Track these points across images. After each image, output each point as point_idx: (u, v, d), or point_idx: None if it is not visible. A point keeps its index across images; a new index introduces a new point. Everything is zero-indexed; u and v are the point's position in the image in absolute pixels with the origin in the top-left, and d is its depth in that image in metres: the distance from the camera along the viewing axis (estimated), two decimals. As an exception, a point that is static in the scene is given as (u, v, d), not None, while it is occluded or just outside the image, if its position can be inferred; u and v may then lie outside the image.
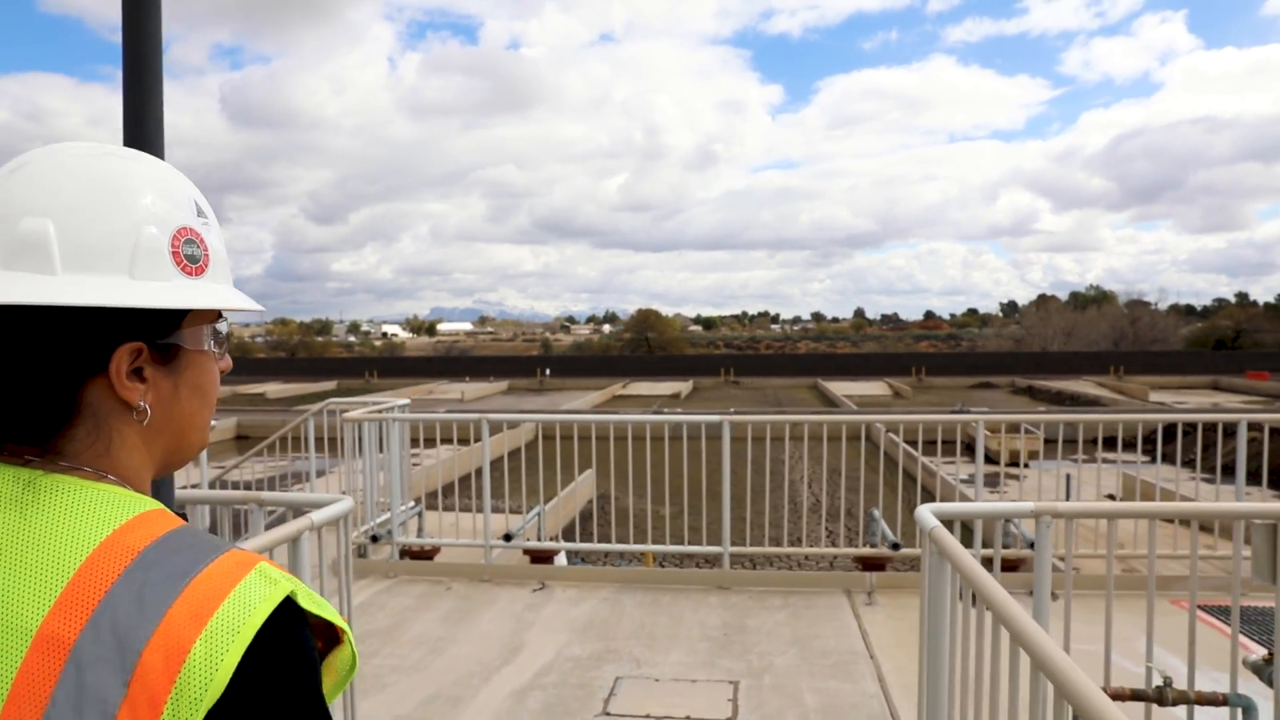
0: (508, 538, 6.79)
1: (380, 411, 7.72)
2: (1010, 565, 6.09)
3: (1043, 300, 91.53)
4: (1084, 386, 41.56)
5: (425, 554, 6.94)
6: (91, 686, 0.68)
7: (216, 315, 0.90)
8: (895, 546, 6.31)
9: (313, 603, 0.79)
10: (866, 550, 6.46)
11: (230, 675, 0.70)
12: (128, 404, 0.82)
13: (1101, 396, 36.02)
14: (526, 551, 7.15)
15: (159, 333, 0.83)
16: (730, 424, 5.02)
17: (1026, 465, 21.09)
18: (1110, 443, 24.95)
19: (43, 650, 0.69)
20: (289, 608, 0.76)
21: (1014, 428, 23.88)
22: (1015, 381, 47.22)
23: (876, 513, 6.89)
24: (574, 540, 8.61)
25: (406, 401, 8.49)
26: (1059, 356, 57.97)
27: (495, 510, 13.21)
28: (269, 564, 0.79)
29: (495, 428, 7.04)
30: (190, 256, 0.85)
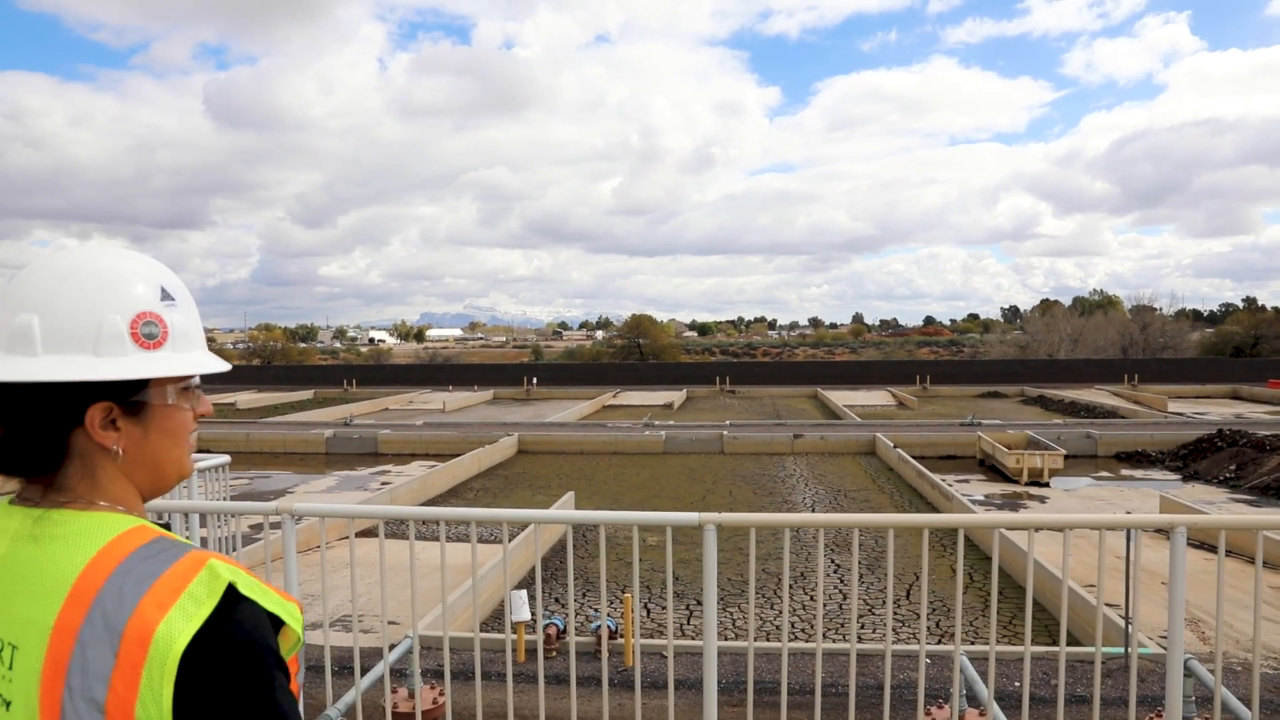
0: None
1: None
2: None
3: (1047, 305, 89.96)
4: (1099, 396, 39.99)
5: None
6: (92, 659, 0.99)
7: (186, 375, 1.18)
8: None
9: (253, 590, 1.07)
10: None
11: (184, 647, 0.99)
12: (104, 447, 1.12)
13: (1119, 407, 34.41)
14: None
15: (126, 393, 1.13)
16: (717, 526, 3.36)
17: (1047, 484, 19.65)
18: (1133, 458, 23.51)
19: (59, 637, 1.00)
20: (231, 595, 1.04)
21: (1034, 443, 22.40)
22: (1024, 390, 45.66)
23: (965, 659, 4.35)
24: (536, 579, 6.81)
25: (224, 459, 5.97)
26: (1068, 364, 56.34)
27: (460, 539, 11.62)
28: (218, 560, 1.07)
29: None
30: (148, 335, 1.14)
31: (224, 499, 7.07)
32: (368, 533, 10.89)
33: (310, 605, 8.79)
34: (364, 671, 4.04)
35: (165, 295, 1.17)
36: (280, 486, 20.40)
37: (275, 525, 4.03)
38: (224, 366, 1.23)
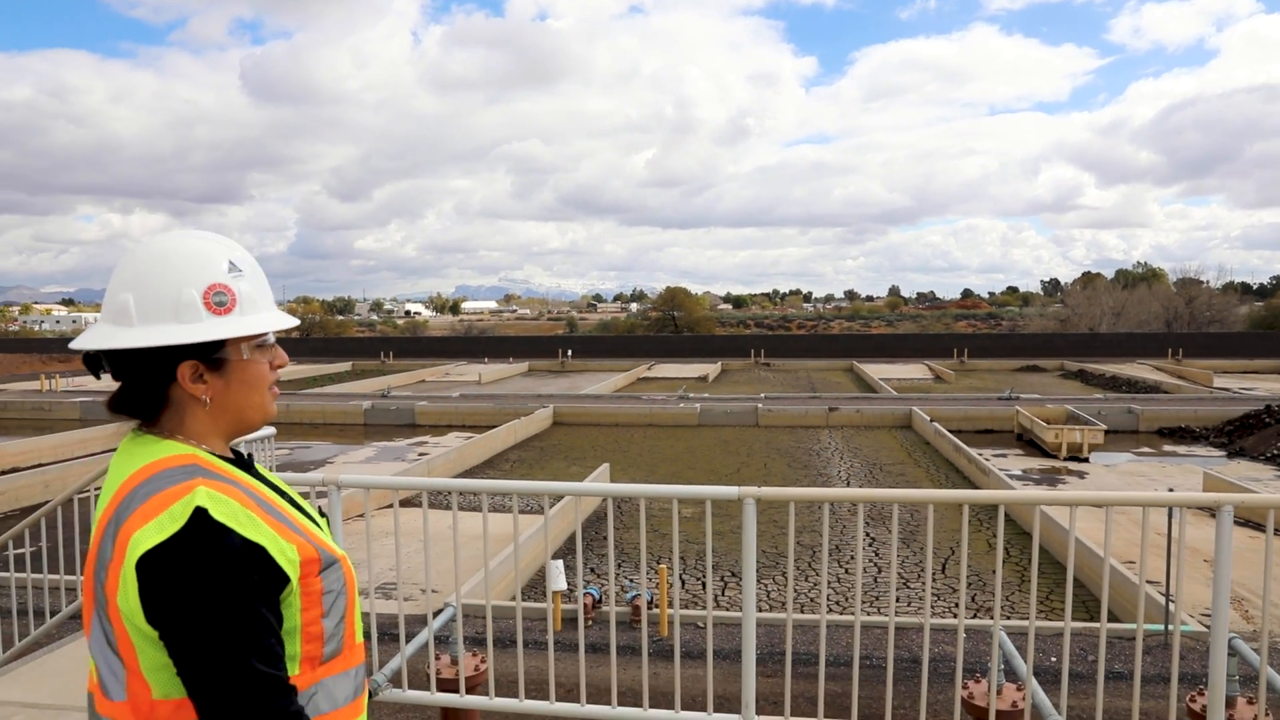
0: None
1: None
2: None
3: (1089, 278, 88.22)
4: (1141, 370, 39.27)
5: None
6: (105, 547, 1.28)
7: (254, 334, 1.41)
8: None
9: (232, 518, 1.26)
10: None
11: (142, 554, 1.21)
12: (195, 397, 1.37)
13: (1162, 382, 33.77)
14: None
15: (208, 352, 1.37)
16: (755, 499, 3.40)
17: (1087, 459, 19.39)
18: (1176, 434, 23.09)
19: (98, 528, 1.31)
20: (200, 519, 1.23)
21: (1073, 418, 22.09)
22: (1064, 364, 44.95)
23: (1004, 634, 4.09)
24: (575, 549, 6.92)
25: (270, 431, 6.01)
26: (1109, 338, 55.31)
27: (497, 510, 11.78)
28: (210, 489, 1.28)
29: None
30: (218, 302, 1.36)
31: (271, 469, 7.20)
32: (406, 503, 11.07)
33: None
34: (408, 638, 4.13)
35: (233, 267, 1.39)
36: (320, 457, 20.76)
37: (321, 495, 4.13)
38: (289, 322, 1.46)
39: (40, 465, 18.39)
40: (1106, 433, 20.48)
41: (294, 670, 1.31)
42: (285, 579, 1.28)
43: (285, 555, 1.29)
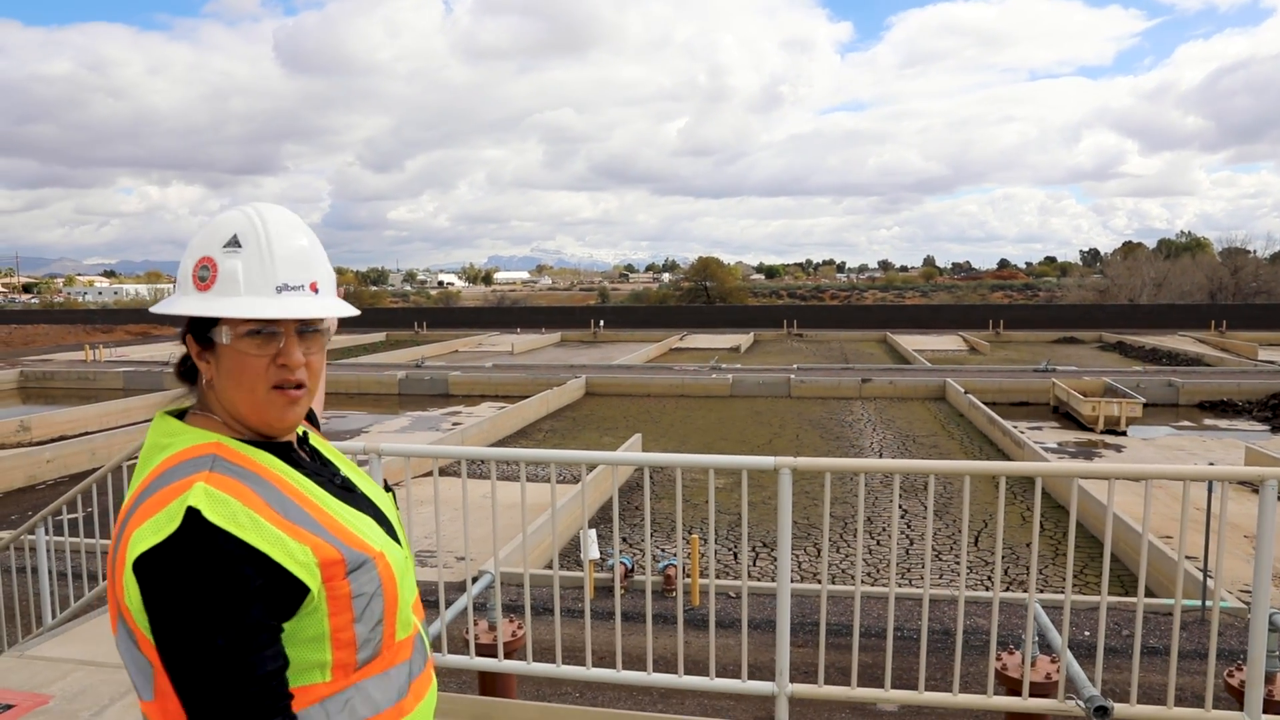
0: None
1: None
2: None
3: (1129, 248, 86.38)
4: (1182, 343, 38.55)
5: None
6: (116, 545, 1.22)
7: (252, 319, 1.26)
8: (1102, 712, 3.21)
9: (231, 520, 1.16)
10: (1024, 708, 3.48)
11: (137, 556, 1.14)
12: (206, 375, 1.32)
13: (1204, 355, 33.16)
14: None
15: (200, 330, 1.29)
16: (792, 469, 3.41)
17: (1124, 433, 19.14)
18: (1218, 407, 22.69)
19: (117, 522, 1.25)
20: (194, 520, 1.14)
21: (1111, 390, 21.78)
22: (1103, 336, 44.23)
23: (1039, 607, 3.91)
24: (611, 519, 6.99)
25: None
26: (1150, 309, 54.21)
27: (530, 479, 11.89)
28: (210, 487, 1.18)
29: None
30: (200, 277, 1.27)
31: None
32: (443, 471, 11.21)
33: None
34: (447, 605, 4.22)
35: (232, 242, 1.27)
36: (356, 426, 21.06)
37: (362, 463, 4.21)
38: (260, 313, 1.25)
39: (86, 433, 18.86)
40: (1145, 406, 20.18)
41: (325, 678, 1.23)
42: (298, 585, 1.18)
43: (295, 559, 1.18)
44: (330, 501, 1.30)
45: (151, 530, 1.16)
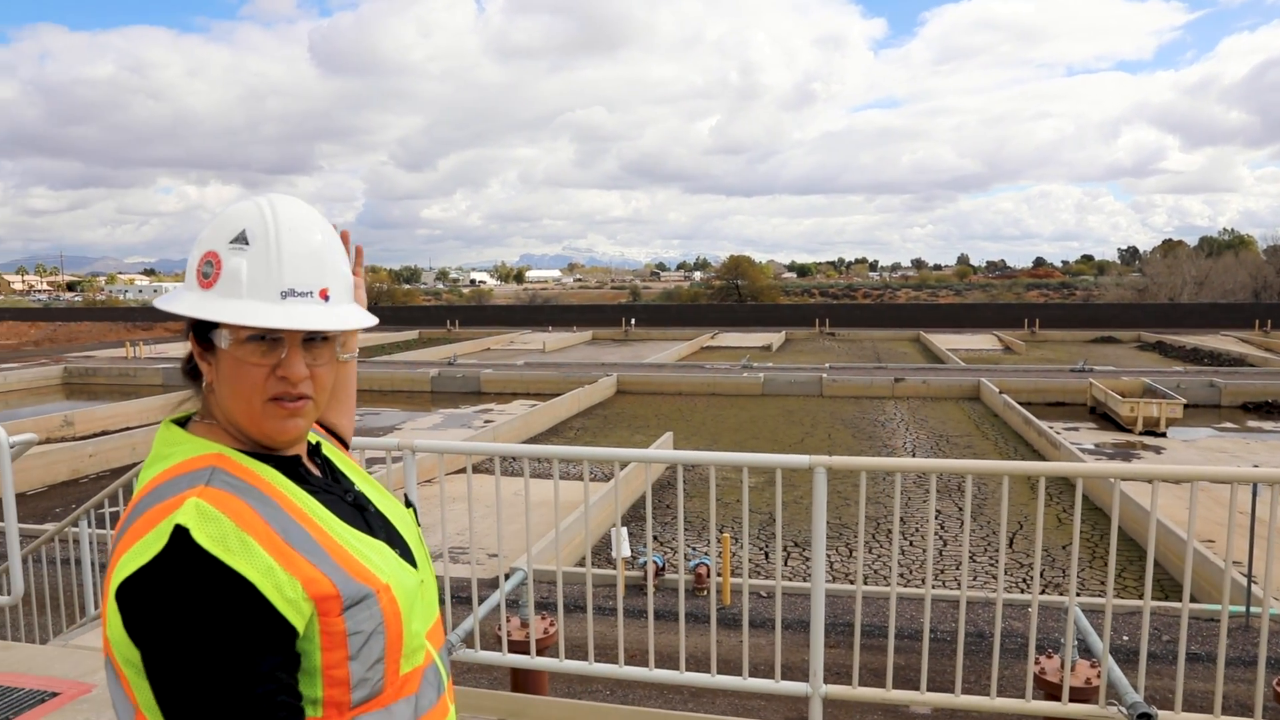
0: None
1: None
2: None
3: (1170, 246, 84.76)
4: (1224, 343, 37.80)
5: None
6: (107, 570, 1.10)
7: (248, 326, 1.15)
8: (1146, 718, 3.09)
9: (219, 544, 1.06)
10: (1064, 713, 3.32)
11: (121, 581, 1.05)
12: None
13: (1248, 355, 32.49)
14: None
15: (201, 329, 1.18)
16: (827, 469, 3.37)
17: (1164, 434, 18.80)
18: (1262, 409, 22.20)
19: (113, 539, 1.13)
20: (180, 542, 1.05)
21: (1150, 391, 21.41)
22: (1141, 336, 43.52)
23: (1079, 611, 3.99)
24: (643, 518, 6.99)
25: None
26: (1191, 308, 53.21)
27: (565, 476, 11.92)
28: (203, 499, 1.09)
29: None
30: (204, 274, 1.16)
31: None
32: (475, 468, 11.28)
33: (425, 535, 9.21)
34: (480, 601, 4.24)
35: (240, 238, 1.16)
36: (389, 423, 21.25)
37: (397, 460, 4.24)
38: (258, 321, 1.13)
39: (127, 429, 19.20)
40: (1186, 407, 19.82)
41: (316, 713, 1.13)
42: (284, 624, 1.07)
43: (282, 593, 1.06)
44: (335, 525, 1.20)
45: (139, 551, 1.05)
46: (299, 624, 1.08)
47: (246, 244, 1.16)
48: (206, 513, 1.07)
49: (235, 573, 1.05)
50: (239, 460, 1.17)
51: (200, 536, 1.05)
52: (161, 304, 1.20)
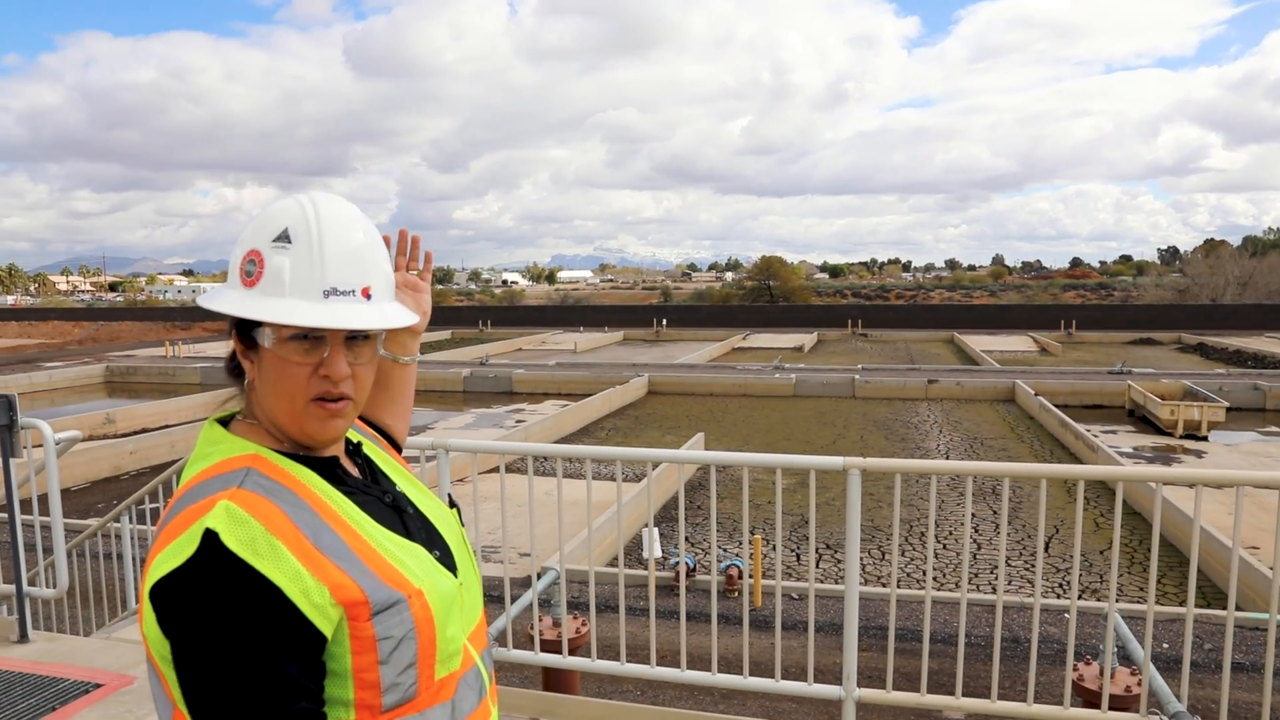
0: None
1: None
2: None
3: (1212, 245, 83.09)
4: (1269, 344, 36.99)
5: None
6: (144, 570, 1.11)
7: (296, 325, 1.16)
8: None
9: (247, 548, 1.06)
10: None
11: (154, 583, 1.06)
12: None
13: (1291, 357, 31.76)
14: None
15: (245, 327, 1.19)
16: (861, 470, 3.35)
17: (1205, 438, 18.44)
18: (1307, 412, 21.68)
19: (153, 542, 1.14)
20: (211, 546, 1.05)
21: (1191, 393, 21.01)
22: (1182, 338, 42.72)
23: (1119, 617, 3.72)
24: (677, 516, 6.99)
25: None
26: (1234, 309, 52.18)
27: (597, 476, 11.94)
28: (234, 502, 1.09)
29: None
30: (247, 272, 1.17)
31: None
32: (508, 468, 11.33)
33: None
34: (512, 600, 4.26)
35: (282, 237, 1.17)
36: (421, 423, 21.42)
37: (430, 459, 4.27)
38: (302, 320, 1.14)
39: (167, 426, 19.55)
40: (1229, 410, 19.42)
41: (349, 716, 1.13)
42: (313, 631, 1.07)
43: (309, 599, 1.07)
44: (370, 527, 1.19)
45: (173, 553, 1.07)
46: (326, 629, 1.09)
47: (289, 242, 1.16)
48: (236, 516, 1.08)
49: (263, 577, 1.05)
50: (275, 461, 1.18)
51: (230, 540, 1.06)
52: (205, 302, 1.19)
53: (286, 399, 1.18)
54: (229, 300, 1.17)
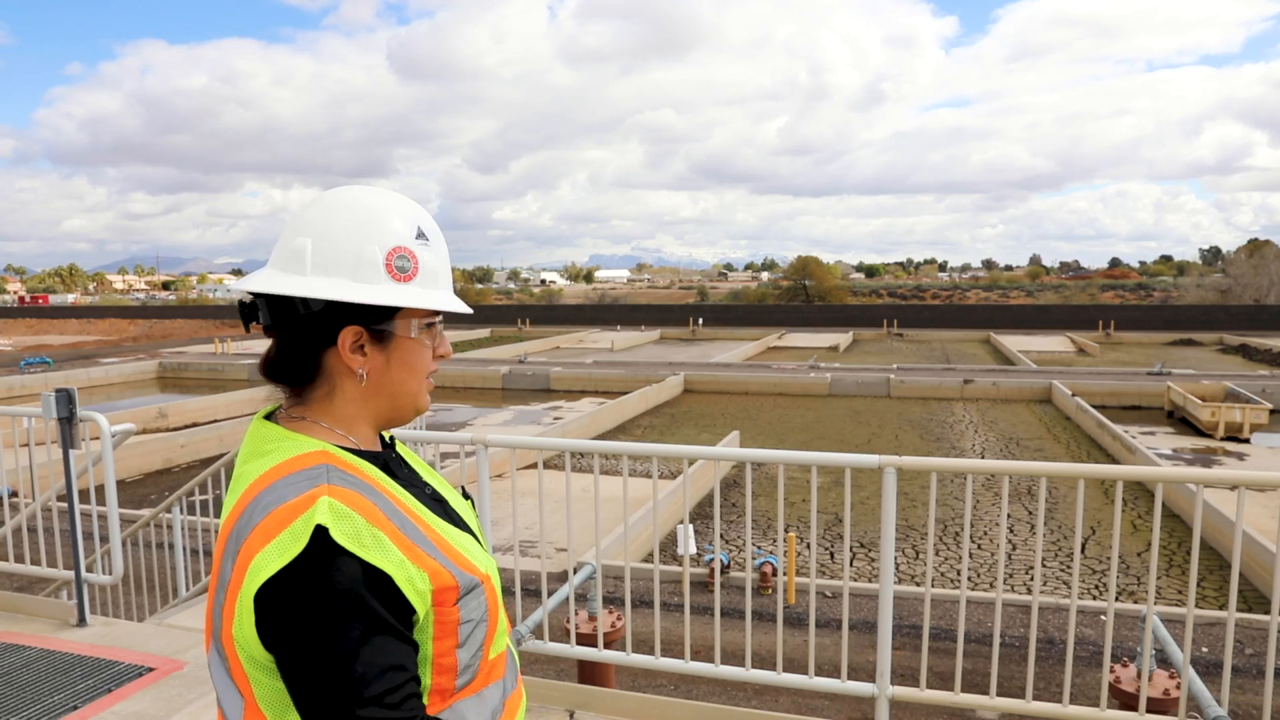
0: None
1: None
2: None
3: (1256, 245, 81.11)
4: (1316, 346, 36.13)
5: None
6: (226, 567, 1.13)
7: (431, 312, 1.27)
8: None
9: (354, 540, 1.08)
10: None
11: (263, 582, 1.05)
12: (351, 370, 1.22)
13: (1340, 359, 31.01)
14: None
15: (375, 320, 1.22)
16: (897, 469, 3.39)
17: (1247, 440, 18.09)
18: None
19: (220, 542, 1.16)
20: (321, 540, 1.06)
21: (1233, 395, 20.60)
22: (1224, 339, 41.86)
23: (1158, 620, 3.80)
24: (709, 516, 7.03)
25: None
26: (1277, 311, 51.03)
27: (634, 473, 12.01)
28: (336, 501, 1.10)
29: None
30: (400, 268, 1.22)
31: (420, 428, 7.66)
32: (545, 464, 11.43)
33: (495, 529, 9.41)
34: (549, 594, 4.33)
35: (420, 234, 1.25)
36: (461, 419, 21.65)
37: (470, 454, 4.35)
38: (464, 309, 1.30)
39: (215, 421, 19.97)
40: (1272, 412, 19.03)
41: (423, 701, 1.16)
42: (412, 611, 1.11)
43: (414, 586, 1.11)
44: (432, 519, 1.22)
45: (277, 552, 1.06)
46: (420, 612, 1.13)
47: (428, 240, 1.26)
48: (339, 511, 1.09)
49: (375, 568, 1.08)
50: (344, 458, 1.19)
51: (338, 535, 1.07)
52: (365, 298, 1.18)
53: (416, 381, 1.28)
54: (404, 294, 1.21)
